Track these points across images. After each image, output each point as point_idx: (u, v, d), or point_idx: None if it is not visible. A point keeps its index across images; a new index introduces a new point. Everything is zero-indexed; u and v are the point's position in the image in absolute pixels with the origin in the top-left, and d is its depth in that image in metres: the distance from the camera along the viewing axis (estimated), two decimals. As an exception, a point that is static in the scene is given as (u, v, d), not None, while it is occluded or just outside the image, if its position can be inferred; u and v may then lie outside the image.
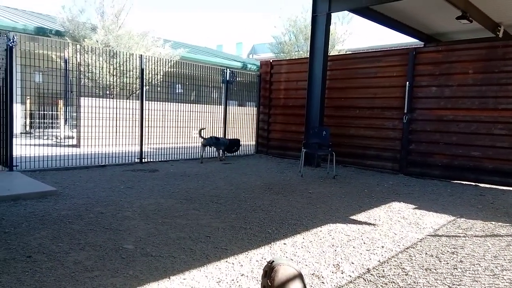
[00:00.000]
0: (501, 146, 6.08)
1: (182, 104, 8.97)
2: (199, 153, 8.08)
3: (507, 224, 4.04)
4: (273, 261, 1.49)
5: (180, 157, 8.22)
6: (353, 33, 15.86)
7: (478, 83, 6.30)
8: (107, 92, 10.23)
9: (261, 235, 3.46)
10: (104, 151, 7.71)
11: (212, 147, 8.30)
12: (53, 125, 10.56)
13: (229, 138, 8.95)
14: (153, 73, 8.88)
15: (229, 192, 5.15)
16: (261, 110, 9.79)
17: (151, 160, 7.72)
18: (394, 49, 7.83)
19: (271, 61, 9.76)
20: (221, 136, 8.84)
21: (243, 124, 9.77)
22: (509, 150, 6.00)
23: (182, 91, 9.81)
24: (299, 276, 1.44)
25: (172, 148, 8.33)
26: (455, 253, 3.19)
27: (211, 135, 8.42)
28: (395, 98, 7.25)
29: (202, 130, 8.23)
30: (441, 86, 6.71)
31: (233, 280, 2.53)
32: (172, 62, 9.15)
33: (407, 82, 7.01)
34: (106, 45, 10.55)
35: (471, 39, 9.66)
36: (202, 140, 8.03)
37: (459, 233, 3.72)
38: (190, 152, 8.44)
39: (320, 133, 7.17)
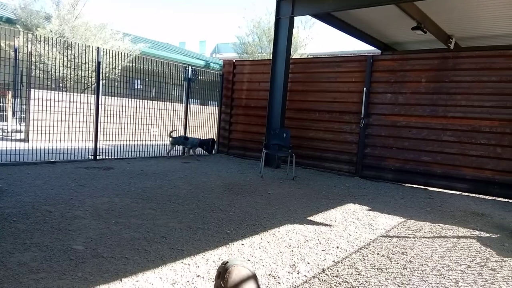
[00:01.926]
0: (449, 152, 6.45)
1: (141, 100, 8.71)
2: (164, 151, 7.88)
3: (453, 226, 4.28)
4: (227, 262, 1.47)
5: (138, 155, 7.98)
6: (315, 38, 16.22)
7: (430, 91, 6.65)
8: (60, 84, 9.71)
9: (219, 235, 3.42)
10: (55, 146, 7.30)
11: (186, 146, 8.48)
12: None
13: (205, 138, 9.06)
14: (110, 67, 8.55)
15: (187, 191, 5.06)
16: (223, 109, 9.74)
17: (106, 157, 7.42)
18: (353, 55, 8.09)
19: (234, 61, 9.74)
20: (198, 137, 8.90)
21: (204, 123, 9.66)
22: (456, 156, 6.38)
23: (141, 87, 9.53)
24: (253, 277, 1.43)
25: (129, 146, 8.06)
26: (405, 253, 3.33)
27: (180, 134, 8.52)
28: (353, 103, 7.48)
29: (174, 132, 8.37)
30: (395, 93, 7.01)
31: (188, 281, 2.48)
32: (131, 56, 8.85)
33: (365, 88, 7.26)
34: (60, 36, 10.02)
35: (424, 49, 10.18)
36: (171, 139, 8.19)
37: (409, 234, 3.90)
38: (149, 150, 8.22)
39: (281, 135, 7.24)
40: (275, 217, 4.15)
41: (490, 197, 6.08)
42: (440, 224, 4.33)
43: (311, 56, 14.63)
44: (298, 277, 2.69)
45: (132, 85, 10.15)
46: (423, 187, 6.69)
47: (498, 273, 2.96)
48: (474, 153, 6.21)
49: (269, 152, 7.03)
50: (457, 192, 6.35)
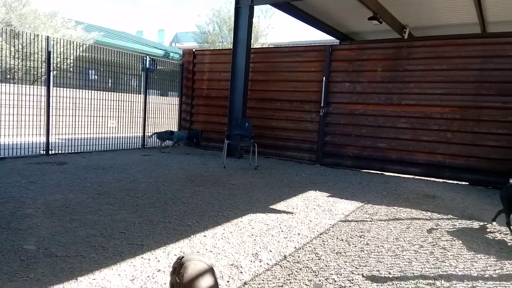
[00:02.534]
0: (403, 138, 6.73)
1: (97, 91, 8.34)
2: (122, 144, 7.61)
3: (407, 209, 4.50)
4: (182, 257, 1.45)
5: (94, 148, 7.68)
6: (276, 28, 16.25)
7: (385, 80, 6.88)
8: (8, 76, 9.10)
9: (180, 228, 3.38)
10: (3, 142, 6.86)
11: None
12: None
13: (192, 130, 9.09)
14: (62, 57, 8.10)
15: (147, 185, 4.94)
16: (184, 100, 9.56)
17: (60, 152, 7.08)
18: (312, 45, 8.19)
19: (194, 50, 9.55)
20: (184, 130, 8.87)
21: (165, 114, 9.44)
22: (410, 141, 6.68)
23: (96, 77, 9.13)
24: (210, 270, 1.42)
25: (85, 139, 7.73)
26: (363, 236, 3.45)
27: (166, 129, 8.67)
28: (313, 92, 7.59)
29: (155, 133, 8.49)
30: (353, 82, 7.19)
31: (148, 276, 2.43)
32: (85, 46, 8.44)
33: (324, 77, 7.38)
34: (7, 25, 9.35)
35: (380, 39, 10.50)
36: (156, 135, 8.35)
37: (366, 218, 4.04)
38: (106, 143, 7.93)
39: (243, 125, 7.23)
40: (238, 207, 4.16)
41: (441, 180, 6.44)
42: (395, 207, 4.53)
43: (272, 46, 14.66)
44: (261, 266, 2.72)
45: (87, 76, 9.70)
46: (379, 172, 6.96)
47: (449, 252, 3.15)
48: (426, 138, 6.52)
49: (232, 143, 7.00)
50: (411, 176, 6.66)
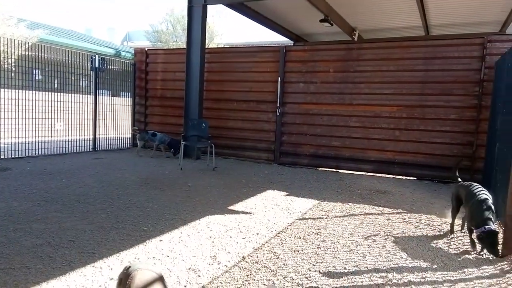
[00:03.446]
0: (356, 136, 6.98)
1: (42, 92, 7.85)
2: (71, 147, 7.21)
3: (360, 205, 4.66)
4: (129, 267, 1.39)
5: (41, 152, 7.23)
6: (231, 28, 16.21)
7: (337, 80, 7.09)
8: None
9: (135, 233, 3.26)
10: None
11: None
12: None
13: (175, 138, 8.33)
14: (3, 56, 7.55)
15: (99, 190, 4.72)
16: (137, 101, 9.27)
17: (2, 157, 6.59)
18: (267, 46, 8.27)
19: (146, 49, 9.29)
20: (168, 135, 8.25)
21: (117, 115, 9.08)
22: (362, 139, 6.94)
23: (41, 77, 8.60)
24: (160, 279, 1.37)
25: (30, 143, 7.25)
26: (319, 233, 3.53)
27: (148, 130, 8.31)
28: (269, 92, 7.66)
29: (135, 129, 8.31)
30: (307, 82, 7.34)
31: (100, 286, 2.31)
32: (28, 44, 7.92)
33: (279, 78, 7.48)
34: None
35: (332, 40, 10.81)
36: (138, 135, 8.02)
37: (322, 215, 4.14)
38: (53, 146, 7.49)
39: (199, 126, 7.13)
40: (195, 210, 4.09)
41: (391, 176, 6.74)
42: (350, 203, 4.68)
43: (228, 46, 14.62)
44: (219, 268, 2.69)
45: (31, 76, 9.11)
46: (334, 170, 7.16)
47: (399, 245, 3.30)
48: (377, 136, 6.81)
49: (188, 144, 6.89)
50: (364, 173, 6.92)
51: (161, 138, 7.88)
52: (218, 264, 2.76)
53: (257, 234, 3.45)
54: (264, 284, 2.47)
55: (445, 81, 6.31)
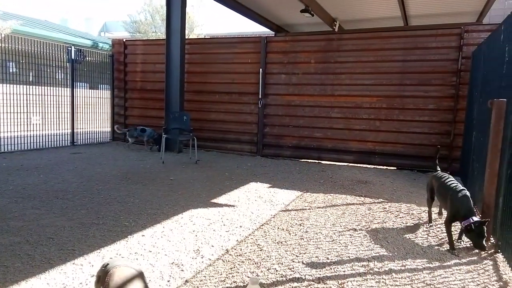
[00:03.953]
0: (337, 127, 7.04)
1: (17, 85, 7.58)
2: (48, 142, 7.00)
3: (342, 195, 4.72)
4: (107, 264, 1.36)
5: (17, 148, 7.01)
6: (212, 19, 16.01)
7: (319, 71, 7.11)
8: None
9: (116, 229, 3.21)
10: None
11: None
12: None
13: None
14: (-28, 47, 7.24)
15: (78, 185, 4.62)
16: (116, 93, 9.08)
17: (-25, 153, 6.36)
18: (248, 36, 8.19)
19: (124, 40, 9.07)
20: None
21: (96, 109, 8.88)
22: (343, 130, 7.00)
23: (16, 70, 8.30)
24: (139, 276, 1.35)
25: (5, 138, 7.02)
26: (302, 224, 3.56)
27: (136, 126, 8.10)
28: (251, 84, 7.62)
29: (118, 127, 8.23)
30: (289, 73, 7.34)
31: (81, 283, 2.27)
32: (1, 36, 7.60)
33: (261, 69, 7.44)
34: None
35: (313, 31, 10.81)
36: (127, 133, 7.95)
37: (305, 206, 4.17)
38: (30, 141, 7.27)
39: (180, 118, 7.05)
40: (178, 203, 4.06)
41: (372, 166, 6.85)
42: (332, 194, 4.73)
43: (208, 37, 14.44)
44: (202, 262, 2.68)
45: (5, 69, 8.80)
46: (317, 161, 7.22)
47: (380, 234, 3.36)
48: (358, 127, 6.89)
49: (170, 137, 6.80)
50: (345, 164, 7.00)
51: (150, 133, 7.77)
52: (202, 258, 2.74)
53: (240, 226, 3.45)
54: (248, 277, 2.48)
55: (423, 71, 6.41)
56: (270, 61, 7.47)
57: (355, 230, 3.43)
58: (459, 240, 3.20)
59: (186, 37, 7.82)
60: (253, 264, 2.67)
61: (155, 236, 3.10)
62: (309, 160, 7.28)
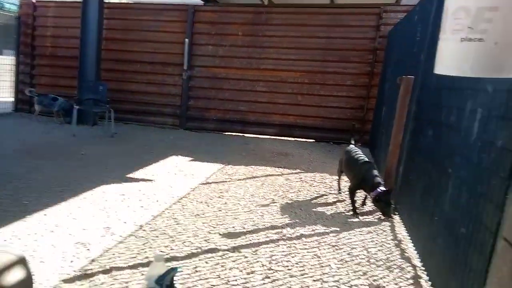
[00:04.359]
0: (262, 101, 7.09)
1: None
2: None
3: (263, 167, 4.79)
4: None
5: None
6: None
7: (246, 44, 7.02)
8: None
9: (14, 209, 2.89)
10: None
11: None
12: None
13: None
14: None
15: (-30, 161, 4.08)
16: (22, 60, 8.09)
17: None
18: (174, 4, 7.73)
19: (34, 1, 8.03)
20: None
21: (-5, 76, 7.85)
22: (267, 104, 7.07)
23: None
24: (20, 261, 1.21)
25: None
26: (221, 196, 3.55)
27: (47, 93, 7.14)
28: (176, 54, 7.29)
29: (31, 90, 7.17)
30: (216, 45, 7.14)
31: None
32: None
33: (186, 39, 7.13)
34: None
35: (243, 3, 10.58)
36: (35, 98, 7.03)
37: (226, 179, 4.16)
38: None
39: (96, 88, 6.52)
40: (89, 179, 3.77)
41: (293, 139, 7.05)
42: (253, 166, 4.79)
43: (131, 2, 13.39)
44: (112, 239, 2.53)
45: None
46: (241, 134, 7.24)
47: (295, 202, 3.48)
48: (281, 101, 7.01)
49: (83, 108, 6.27)
50: (268, 136, 7.11)
51: (61, 103, 7.00)
52: (112, 235, 2.59)
53: (157, 201, 3.33)
54: (162, 251, 2.40)
55: (344, 49, 6.65)
56: (197, 31, 7.18)
57: (273, 200, 3.52)
58: (363, 206, 3.45)
59: (106, 1, 7.17)
60: (167, 238, 2.60)
61: (60, 215, 2.86)
62: (233, 133, 7.27)
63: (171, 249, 2.44)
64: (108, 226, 2.74)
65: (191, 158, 5.05)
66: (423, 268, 2.29)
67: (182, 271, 2.14)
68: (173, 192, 3.60)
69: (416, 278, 2.22)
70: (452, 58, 1.15)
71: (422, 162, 2.68)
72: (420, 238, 2.44)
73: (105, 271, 2.15)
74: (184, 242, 2.55)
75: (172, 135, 6.72)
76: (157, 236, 2.62)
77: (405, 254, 2.53)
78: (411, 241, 2.71)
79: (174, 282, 1.95)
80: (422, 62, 3.14)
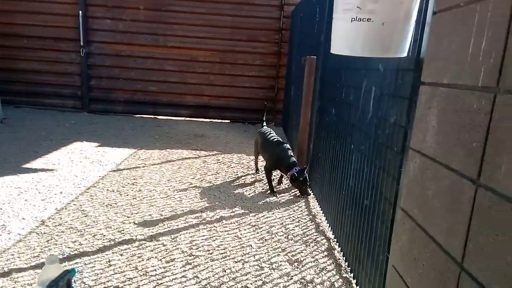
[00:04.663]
0: (172, 81, 6.83)
1: None
2: None
3: (178, 150, 4.68)
4: None
5: None
6: None
7: (150, 19, 6.62)
8: None
9: None
10: None
11: None
12: None
13: None
14: None
15: None
16: None
17: None
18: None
19: None
20: None
21: None
22: (179, 84, 6.85)
23: None
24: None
25: None
26: (135, 183, 3.39)
27: None
28: (70, 28, 6.56)
29: None
30: (115, 19, 6.59)
31: None
32: None
33: (80, 11, 6.45)
34: None
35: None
36: None
37: (139, 164, 3.98)
38: None
39: (-27, 67, 5.59)
40: (-27, 173, 3.29)
41: (208, 120, 7.00)
42: (168, 150, 4.65)
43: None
44: (9, 238, 2.26)
45: None
46: (152, 116, 6.93)
47: (213, 184, 3.49)
48: (193, 81, 6.85)
49: (-41, 90, 5.35)
50: (182, 118, 6.94)
51: None
52: (9, 234, 2.32)
53: (61, 193, 3.05)
54: (69, 247, 2.22)
55: (251, 28, 6.68)
56: (92, 3, 6.51)
57: (190, 184, 3.47)
58: (279, 185, 3.61)
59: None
60: (75, 232, 2.41)
61: None
62: (145, 116, 6.92)
63: (80, 244, 2.27)
64: (3, 224, 2.43)
65: (98, 144, 4.69)
66: (335, 240, 2.49)
67: (82, 271, 1.99)
68: (79, 182, 3.33)
69: (330, 249, 2.41)
70: (344, 38, 1.16)
71: (329, 138, 2.87)
72: (331, 211, 2.64)
73: (4, 274, 1.93)
74: (95, 235, 2.39)
75: (73, 119, 6.14)
76: (62, 231, 2.41)
77: (320, 227, 2.73)
78: (323, 215, 2.92)
79: (74, 282, 1.81)
80: (322, 42, 3.30)
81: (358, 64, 2.20)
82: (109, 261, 2.11)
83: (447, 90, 0.97)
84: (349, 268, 2.13)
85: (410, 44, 1.24)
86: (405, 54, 1.17)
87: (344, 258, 2.25)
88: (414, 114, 1.17)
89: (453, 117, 0.93)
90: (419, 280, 1.03)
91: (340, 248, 2.37)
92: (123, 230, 2.47)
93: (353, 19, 1.10)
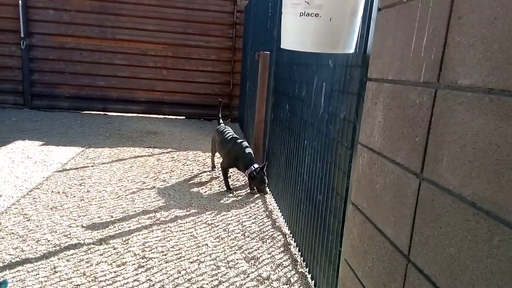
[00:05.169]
0: (122, 75, 6.56)
1: None
2: None
3: (130, 148, 4.50)
4: None
5: None
6: None
7: (96, 10, 6.28)
8: None
9: None
10: None
11: None
12: None
13: None
14: None
15: None
16: None
17: None
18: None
19: None
20: None
21: None
22: (129, 79, 6.59)
23: None
24: None
25: None
26: (83, 184, 3.21)
27: None
28: (9, 19, 6.09)
29: None
30: (58, 9, 6.20)
31: None
32: None
33: (20, 1, 6.00)
34: None
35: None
36: None
37: (87, 164, 3.78)
38: None
39: None
40: None
41: (162, 116, 6.81)
42: (119, 148, 4.46)
43: None
44: None
45: None
46: (102, 112, 6.62)
47: (168, 183, 3.39)
48: (145, 76, 6.62)
49: None
50: (134, 115, 6.69)
51: None
52: None
53: (0, 196, 2.82)
54: (11, 255, 2.06)
55: (204, 22, 6.56)
56: (32, -8, 6.10)
57: (143, 183, 3.35)
58: (236, 182, 3.58)
59: None
60: (17, 238, 2.24)
61: None
62: (94, 112, 6.59)
63: (22, 251, 2.11)
64: None
65: (42, 142, 4.40)
66: (291, 235, 2.51)
67: (11, 283, 1.84)
68: (21, 184, 3.10)
69: (286, 245, 2.42)
70: (294, 33, 1.15)
71: (283, 134, 2.88)
72: (287, 207, 2.66)
73: None
74: (39, 240, 2.24)
75: (14, 116, 5.71)
76: (3, 237, 2.23)
77: (276, 223, 2.74)
78: (279, 211, 2.93)
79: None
80: (275, 37, 3.31)
81: (310, 60, 2.21)
82: (54, 268, 1.98)
83: (392, 85, 0.99)
84: (305, 263, 2.15)
85: (357, 40, 1.25)
86: (352, 51, 1.18)
87: (299, 253, 2.28)
88: (362, 110, 1.19)
89: (398, 112, 0.95)
90: (369, 272, 1.06)
91: (296, 243, 2.39)
92: (69, 234, 2.33)
93: (301, 14, 1.09)
